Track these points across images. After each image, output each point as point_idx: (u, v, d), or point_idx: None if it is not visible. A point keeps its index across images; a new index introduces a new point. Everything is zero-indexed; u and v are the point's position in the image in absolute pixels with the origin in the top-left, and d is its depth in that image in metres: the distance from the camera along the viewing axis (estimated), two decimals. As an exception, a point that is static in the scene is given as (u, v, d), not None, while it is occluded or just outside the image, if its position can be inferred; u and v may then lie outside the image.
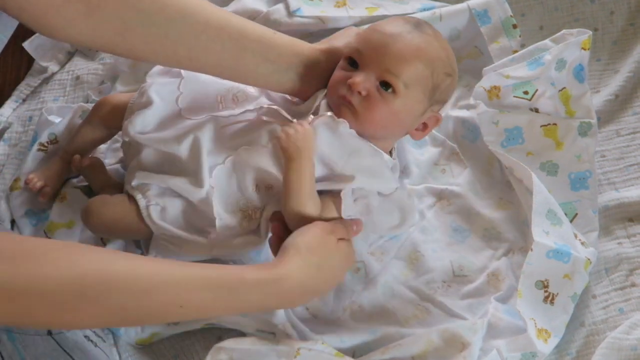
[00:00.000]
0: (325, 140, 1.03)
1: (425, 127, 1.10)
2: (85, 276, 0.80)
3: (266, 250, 1.09)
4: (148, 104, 1.09)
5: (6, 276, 0.76)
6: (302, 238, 0.97)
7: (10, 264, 0.77)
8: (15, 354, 0.90)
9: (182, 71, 1.11)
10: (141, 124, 1.08)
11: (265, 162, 1.04)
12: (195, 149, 1.05)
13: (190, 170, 1.05)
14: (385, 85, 1.02)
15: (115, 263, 0.84)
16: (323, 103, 1.07)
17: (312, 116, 1.05)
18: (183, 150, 1.05)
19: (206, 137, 1.06)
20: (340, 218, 1.04)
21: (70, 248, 0.86)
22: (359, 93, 1.01)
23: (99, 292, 0.80)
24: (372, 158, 1.06)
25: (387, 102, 1.02)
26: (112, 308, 0.82)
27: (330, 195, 1.05)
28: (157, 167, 1.07)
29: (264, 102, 1.11)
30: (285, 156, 1.00)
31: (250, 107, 1.09)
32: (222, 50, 1.01)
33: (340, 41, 1.13)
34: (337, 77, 1.05)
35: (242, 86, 1.12)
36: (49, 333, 0.94)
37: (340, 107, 1.03)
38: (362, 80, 1.01)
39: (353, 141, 1.04)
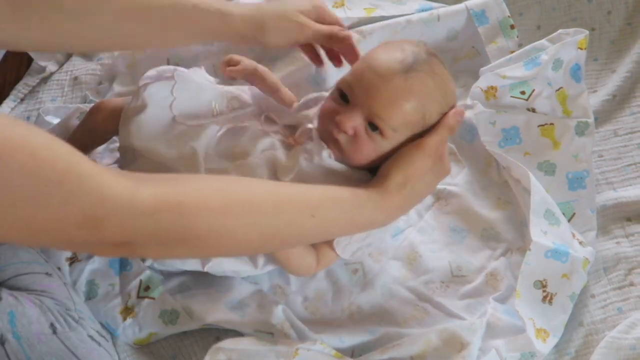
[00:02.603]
0: (308, 167, 1.03)
1: None
2: (231, 189, 0.88)
3: (256, 277, 1.12)
4: (142, 108, 1.08)
5: (157, 190, 0.81)
6: (398, 162, 1.00)
7: (157, 182, 0.83)
8: (20, 353, 0.91)
9: (175, 74, 1.10)
10: (136, 132, 1.06)
11: (261, 174, 1.03)
12: (193, 160, 1.03)
13: None
14: (373, 126, 1.00)
15: (250, 183, 0.93)
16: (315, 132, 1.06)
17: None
18: (180, 160, 1.04)
19: (202, 147, 1.04)
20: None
21: (208, 176, 0.95)
22: (345, 132, 1.00)
23: (245, 201, 0.87)
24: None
25: (374, 142, 1.01)
26: (255, 218, 0.88)
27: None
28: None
29: (258, 109, 1.11)
30: None
31: (245, 114, 1.09)
32: (144, 33, 1.05)
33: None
34: (327, 109, 1.03)
35: (236, 92, 1.12)
36: (54, 332, 0.94)
37: (327, 140, 1.03)
38: (350, 121, 0.99)
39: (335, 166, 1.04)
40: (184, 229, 0.82)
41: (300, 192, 0.93)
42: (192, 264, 1.07)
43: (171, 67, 1.14)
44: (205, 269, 1.06)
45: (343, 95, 1.02)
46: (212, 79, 1.15)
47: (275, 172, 1.03)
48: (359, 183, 1.01)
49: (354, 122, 0.99)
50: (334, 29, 1.11)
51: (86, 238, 0.77)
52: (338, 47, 1.14)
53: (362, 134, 1.00)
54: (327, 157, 1.03)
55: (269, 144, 1.04)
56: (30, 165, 0.72)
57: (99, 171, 0.77)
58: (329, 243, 1.05)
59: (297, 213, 0.91)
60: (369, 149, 1.01)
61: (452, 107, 1.04)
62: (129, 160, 1.09)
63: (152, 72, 1.13)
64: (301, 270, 1.08)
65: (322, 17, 1.14)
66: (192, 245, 0.85)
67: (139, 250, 0.85)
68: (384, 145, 1.01)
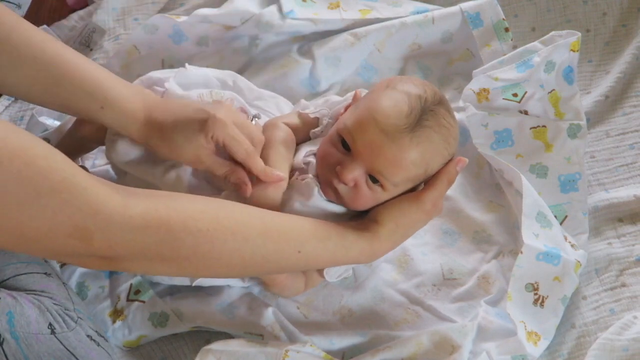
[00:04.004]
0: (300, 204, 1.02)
1: None
2: (218, 215, 0.88)
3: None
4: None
5: (148, 207, 0.82)
6: (392, 211, 1.00)
7: (149, 197, 0.84)
8: (18, 353, 0.91)
9: (166, 94, 1.09)
10: (123, 152, 1.06)
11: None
12: (177, 185, 1.03)
13: None
14: (374, 179, 0.98)
15: (238, 208, 0.92)
16: (312, 163, 1.04)
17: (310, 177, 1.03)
18: (165, 184, 1.03)
19: (187, 173, 1.04)
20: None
21: (198, 196, 0.93)
22: (345, 184, 0.98)
23: (230, 228, 0.88)
24: None
25: (374, 193, 0.99)
26: (239, 245, 0.88)
27: None
28: None
29: None
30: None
31: None
32: (51, 104, 1.02)
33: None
34: (327, 155, 1.00)
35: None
36: (52, 332, 0.94)
37: (326, 186, 1.01)
38: (351, 173, 0.96)
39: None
40: (171, 248, 0.84)
41: (289, 225, 0.94)
42: (181, 279, 1.08)
43: (165, 77, 1.12)
44: (194, 284, 1.07)
45: (344, 143, 0.99)
46: (211, 72, 1.15)
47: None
48: (351, 219, 1.02)
49: (354, 174, 0.97)
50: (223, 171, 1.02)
51: (75, 249, 0.79)
52: None
53: (363, 185, 0.98)
54: (320, 199, 1.01)
55: None
56: (27, 173, 0.73)
57: (93, 184, 0.79)
58: (319, 270, 1.05)
59: (284, 245, 0.92)
60: (368, 199, 1.00)
61: (453, 154, 1.03)
62: (118, 172, 1.09)
63: (141, 81, 1.13)
64: (289, 294, 1.08)
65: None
66: (177, 264, 0.87)
67: (125, 265, 0.86)
68: (384, 196, 1.00)
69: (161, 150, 1.01)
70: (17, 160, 0.73)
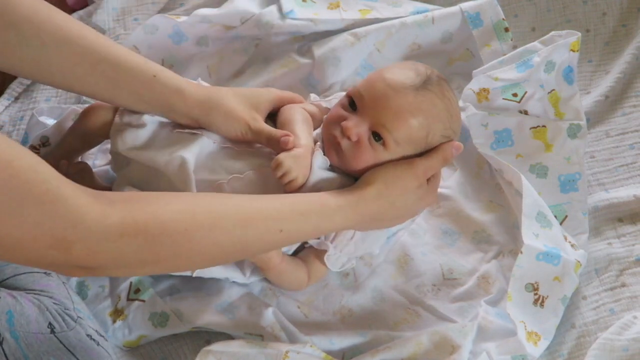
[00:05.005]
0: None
1: None
2: (194, 212, 0.88)
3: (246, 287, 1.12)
4: (140, 125, 1.07)
5: (125, 215, 0.82)
6: (384, 172, 1.02)
7: (127, 204, 0.84)
8: (18, 352, 0.91)
9: None
10: (131, 139, 1.07)
11: (253, 190, 1.03)
12: (182, 169, 1.03)
13: (178, 189, 1.04)
14: (377, 136, 1.01)
15: (215, 201, 0.93)
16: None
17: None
18: (170, 168, 1.04)
19: (193, 156, 1.04)
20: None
21: (176, 194, 0.95)
22: (349, 138, 1.01)
23: (207, 224, 0.88)
24: None
25: (375, 152, 1.02)
26: (218, 238, 0.89)
27: (314, 254, 1.08)
28: (144, 181, 1.06)
29: None
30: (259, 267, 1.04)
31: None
32: (96, 84, 1.03)
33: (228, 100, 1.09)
34: (334, 115, 1.05)
35: None
36: (52, 332, 0.94)
37: (329, 145, 1.04)
38: (355, 127, 1.01)
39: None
40: (150, 253, 0.85)
41: (267, 207, 0.95)
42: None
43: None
44: (194, 274, 1.07)
45: (352, 103, 1.03)
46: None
47: (268, 188, 1.02)
48: (341, 188, 1.02)
49: (359, 128, 1.01)
50: (277, 134, 1.05)
51: (55, 259, 0.80)
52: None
53: (365, 141, 1.01)
54: (317, 169, 1.03)
55: (266, 160, 1.04)
56: (10, 184, 0.74)
57: (75, 194, 0.80)
58: (320, 258, 1.07)
59: (263, 229, 0.93)
60: (369, 158, 1.02)
61: (455, 136, 1.07)
62: (121, 164, 1.09)
63: None
64: (293, 286, 1.10)
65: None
66: (158, 266, 0.89)
67: (106, 272, 0.89)
68: (384, 156, 1.02)
69: (214, 113, 1.06)
70: (3, 172, 0.74)
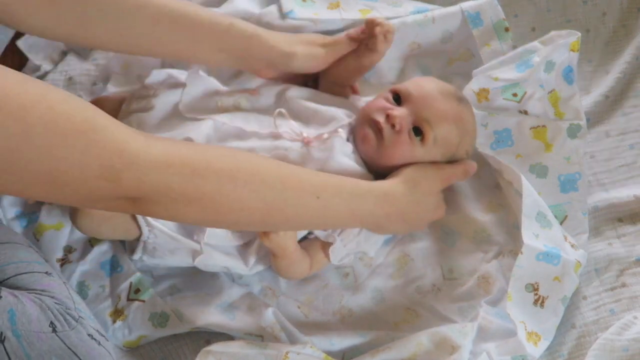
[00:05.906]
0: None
1: None
2: (237, 158, 0.91)
3: (246, 279, 1.13)
4: (148, 109, 1.09)
5: (170, 147, 0.85)
6: (413, 171, 1.07)
7: (167, 141, 0.87)
8: (20, 351, 0.91)
9: (187, 79, 1.13)
10: (139, 125, 1.08)
11: None
12: None
13: None
14: (418, 131, 1.06)
15: (255, 156, 0.97)
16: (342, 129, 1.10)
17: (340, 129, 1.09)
18: None
19: (204, 138, 1.05)
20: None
21: (210, 145, 1.00)
22: (393, 126, 1.05)
23: (249, 170, 0.90)
24: None
25: (412, 147, 1.06)
26: (259, 187, 0.91)
27: (320, 245, 1.09)
28: None
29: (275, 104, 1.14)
30: (272, 253, 1.06)
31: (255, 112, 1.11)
32: (177, 41, 1.06)
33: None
34: (377, 104, 1.09)
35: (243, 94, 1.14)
36: (54, 331, 0.94)
37: (367, 128, 1.07)
38: (401, 116, 1.05)
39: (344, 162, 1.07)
40: (195, 187, 0.85)
41: (305, 173, 0.98)
42: (183, 257, 1.07)
43: (182, 71, 1.17)
44: (195, 263, 1.07)
45: (396, 99, 1.09)
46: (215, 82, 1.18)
47: None
48: None
49: (404, 118, 1.06)
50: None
51: (105, 191, 0.80)
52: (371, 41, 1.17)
53: (405, 132, 1.06)
54: (341, 158, 1.06)
55: (280, 143, 1.06)
56: (49, 117, 0.75)
57: (114, 124, 0.81)
58: (325, 250, 1.08)
59: (302, 191, 0.95)
60: (404, 150, 1.06)
61: (470, 156, 1.14)
62: None
63: (161, 76, 1.16)
64: (296, 275, 1.10)
65: None
66: (201, 206, 0.88)
67: (150, 208, 0.87)
68: (418, 153, 1.07)
69: (295, 43, 1.14)
70: (37, 107, 0.74)
